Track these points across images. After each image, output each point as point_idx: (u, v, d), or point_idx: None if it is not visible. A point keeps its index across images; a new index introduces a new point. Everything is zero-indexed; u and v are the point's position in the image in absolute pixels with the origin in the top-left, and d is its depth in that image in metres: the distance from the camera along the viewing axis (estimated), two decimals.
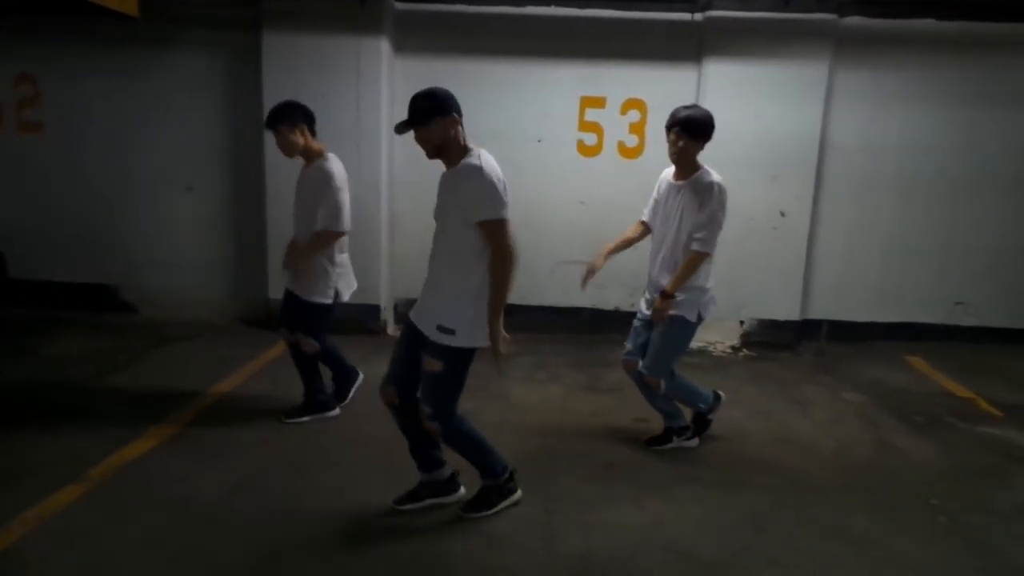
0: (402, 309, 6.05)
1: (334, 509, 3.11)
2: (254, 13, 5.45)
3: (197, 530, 2.92)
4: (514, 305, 5.76)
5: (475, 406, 4.14)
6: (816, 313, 5.99)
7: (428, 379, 2.82)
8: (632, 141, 5.73)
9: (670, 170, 3.63)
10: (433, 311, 2.79)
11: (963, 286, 5.97)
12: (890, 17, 5.45)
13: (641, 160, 5.71)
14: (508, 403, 4.43)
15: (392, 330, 5.96)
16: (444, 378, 2.80)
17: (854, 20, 5.45)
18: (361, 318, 5.73)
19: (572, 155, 5.77)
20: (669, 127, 3.44)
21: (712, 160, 5.40)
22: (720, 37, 5.42)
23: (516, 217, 5.96)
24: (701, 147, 3.46)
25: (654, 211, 3.66)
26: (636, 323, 3.75)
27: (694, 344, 5.82)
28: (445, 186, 2.81)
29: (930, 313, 6.02)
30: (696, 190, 3.43)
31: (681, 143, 3.40)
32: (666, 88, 5.64)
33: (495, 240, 2.68)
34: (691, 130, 3.38)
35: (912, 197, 5.82)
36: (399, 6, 5.59)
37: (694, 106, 3.50)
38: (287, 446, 3.73)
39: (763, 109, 5.48)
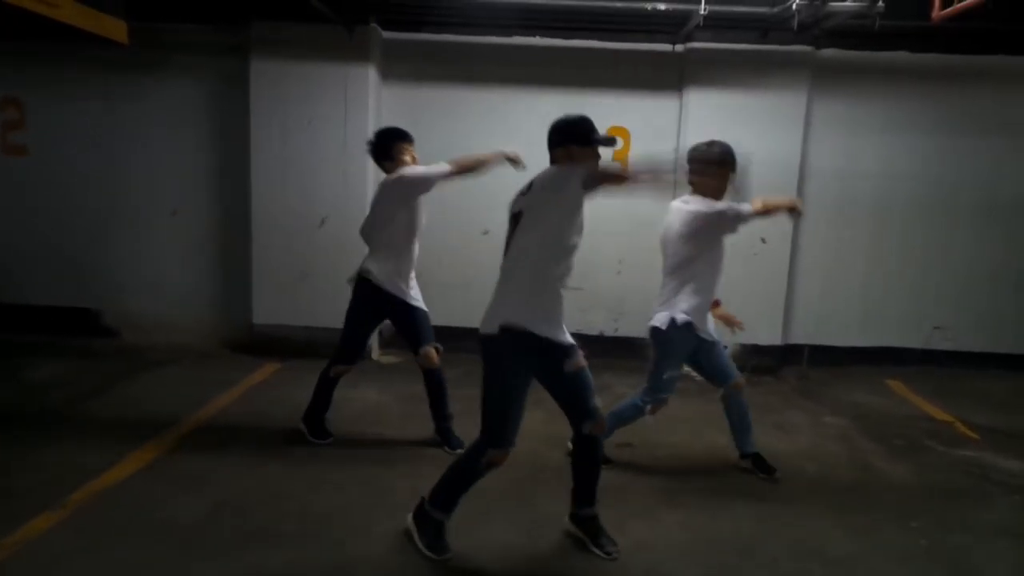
0: (387, 334, 6.05)
1: (318, 535, 3.09)
2: (242, 40, 5.52)
3: (177, 555, 2.89)
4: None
5: (458, 431, 4.14)
6: (797, 338, 6.06)
7: (588, 376, 2.88)
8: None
9: None
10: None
11: (940, 311, 6.08)
12: (865, 49, 5.61)
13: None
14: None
15: (377, 355, 5.95)
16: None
17: (830, 52, 5.61)
18: None
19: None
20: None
21: None
22: (701, 67, 5.55)
23: (502, 242, 5.98)
24: None
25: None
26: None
27: None
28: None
29: (908, 337, 6.11)
30: None
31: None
32: (649, 116, 5.76)
33: None
34: None
35: (889, 223, 5.94)
36: (386, 34, 5.68)
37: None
38: (271, 471, 3.70)
39: (744, 137, 5.50)
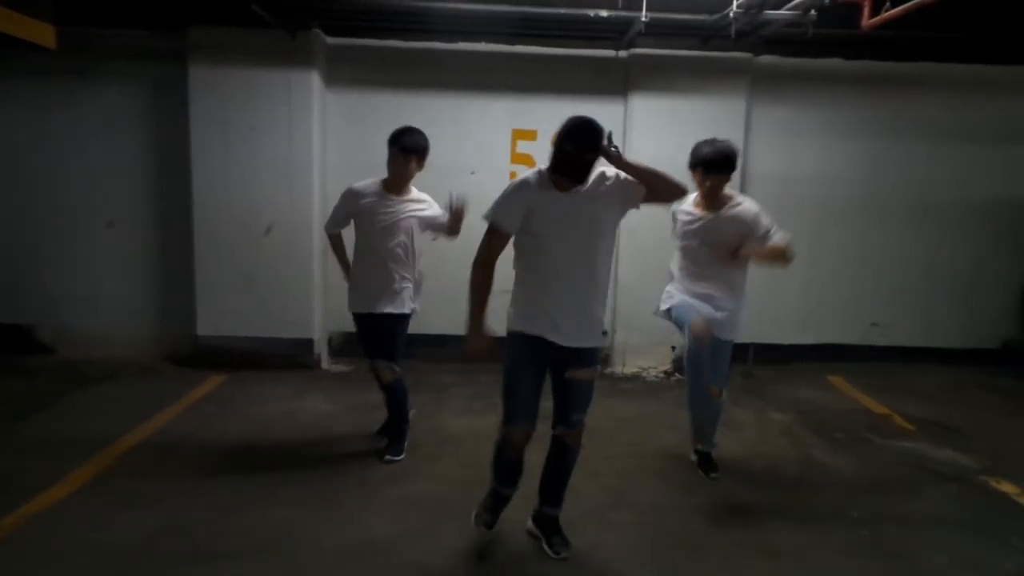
0: (336, 342, 5.96)
1: (267, 551, 3.02)
2: (179, 45, 5.37)
3: None
4: (449, 335, 5.83)
5: (411, 436, 4.11)
6: (743, 337, 6.18)
7: (588, 389, 2.94)
8: None
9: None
10: (596, 322, 2.90)
11: (877, 308, 6.31)
12: (801, 56, 5.80)
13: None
14: (445, 434, 4.41)
15: (327, 364, 5.85)
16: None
17: (767, 59, 5.77)
18: (294, 352, 5.64)
19: (505, 186, 5.84)
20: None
21: None
22: (644, 73, 5.65)
23: (453, 247, 5.93)
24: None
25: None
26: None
27: (628, 370, 5.97)
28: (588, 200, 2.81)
29: (848, 334, 6.32)
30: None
31: (708, 183, 3.60)
32: None
33: None
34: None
35: (827, 225, 6.13)
36: (330, 40, 5.61)
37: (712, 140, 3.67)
38: (217, 487, 3.60)
39: (687, 141, 5.57)
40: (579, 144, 2.69)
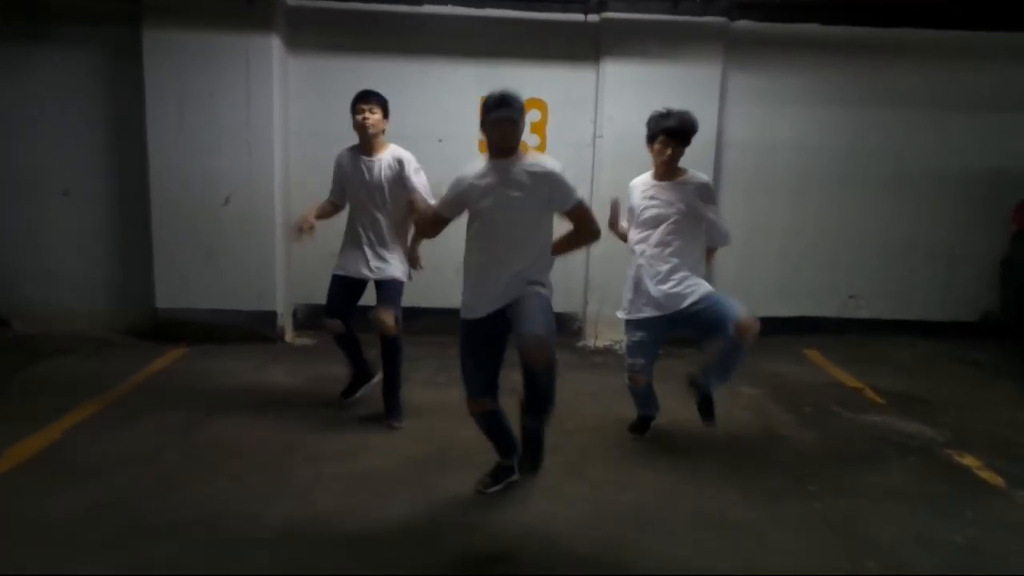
0: (301, 315, 5.86)
1: (208, 524, 2.94)
2: (134, 7, 5.18)
3: (53, 553, 2.70)
4: (418, 307, 5.73)
5: (373, 410, 4.03)
6: None
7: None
8: (533, 140, 5.73)
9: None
10: (525, 275, 2.97)
11: (855, 280, 6.22)
12: (777, 21, 5.63)
13: None
14: (407, 407, 4.32)
15: (290, 337, 5.75)
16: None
17: (743, 24, 5.61)
18: (257, 325, 5.53)
19: (474, 154, 5.70)
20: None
21: (612, 160, 5.53)
22: (615, 38, 5.49)
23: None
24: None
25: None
26: (644, 336, 3.70)
27: (600, 342, 5.89)
28: (515, 180, 2.95)
29: (825, 307, 6.24)
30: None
31: (669, 151, 3.50)
32: (566, 88, 5.67)
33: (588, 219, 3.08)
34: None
35: (805, 195, 6.02)
36: (291, 3, 5.43)
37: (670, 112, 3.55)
38: (164, 459, 3.52)
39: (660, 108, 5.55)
40: (494, 106, 2.99)
